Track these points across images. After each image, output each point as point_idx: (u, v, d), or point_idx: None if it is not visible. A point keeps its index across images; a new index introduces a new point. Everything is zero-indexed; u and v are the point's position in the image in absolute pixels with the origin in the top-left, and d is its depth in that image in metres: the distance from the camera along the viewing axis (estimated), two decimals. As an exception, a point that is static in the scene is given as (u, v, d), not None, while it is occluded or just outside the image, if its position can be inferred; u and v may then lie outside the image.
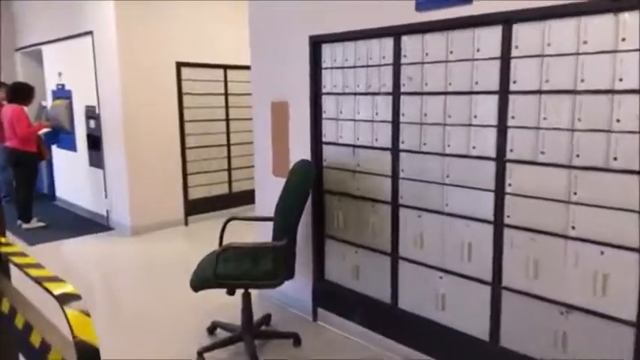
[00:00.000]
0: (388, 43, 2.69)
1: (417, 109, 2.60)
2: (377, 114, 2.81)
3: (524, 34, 2.16)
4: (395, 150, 2.75)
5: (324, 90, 3.10)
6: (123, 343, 3.06)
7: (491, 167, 2.34)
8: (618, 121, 1.93)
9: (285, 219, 2.84)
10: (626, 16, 1.87)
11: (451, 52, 2.42)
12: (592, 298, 2.09)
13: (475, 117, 2.37)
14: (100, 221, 5.90)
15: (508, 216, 2.31)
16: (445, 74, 2.46)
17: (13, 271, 1.53)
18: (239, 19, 5.74)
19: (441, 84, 2.49)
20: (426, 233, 2.66)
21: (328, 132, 3.12)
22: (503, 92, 2.25)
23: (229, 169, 6.15)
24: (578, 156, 2.06)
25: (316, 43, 3.07)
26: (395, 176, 2.77)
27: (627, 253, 1.96)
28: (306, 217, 3.11)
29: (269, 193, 3.41)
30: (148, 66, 5.32)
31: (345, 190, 3.07)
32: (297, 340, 3.04)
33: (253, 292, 3.02)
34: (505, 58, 2.22)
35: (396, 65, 2.67)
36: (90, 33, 5.50)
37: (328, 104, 3.09)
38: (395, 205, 2.79)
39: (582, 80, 2.01)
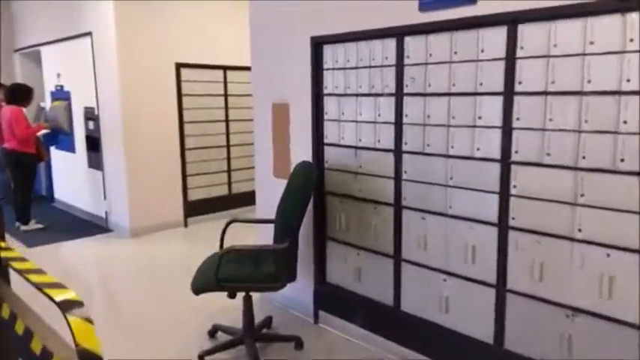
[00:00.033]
0: (391, 43, 2.67)
1: (420, 111, 2.58)
2: (379, 115, 2.79)
3: (530, 35, 2.14)
4: (398, 151, 2.72)
5: (325, 91, 3.08)
6: (123, 346, 3.03)
7: (495, 169, 2.32)
8: (625, 122, 1.91)
9: (286, 221, 2.81)
10: (634, 17, 1.85)
11: (455, 53, 2.40)
12: (598, 301, 2.07)
13: (479, 118, 2.35)
14: (98, 223, 5.87)
15: (513, 218, 2.28)
16: (449, 75, 2.44)
17: (13, 275, 1.50)
18: (239, 20, 5.72)
19: (444, 85, 2.46)
20: (430, 235, 2.64)
21: (330, 133, 3.09)
22: (509, 93, 2.23)
23: (229, 171, 6.12)
24: (584, 157, 2.04)
25: (318, 44, 3.05)
26: (398, 178, 2.75)
27: (634, 256, 1.94)
28: (307, 219, 3.09)
29: (270, 194, 3.39)
30: (148, 67, 5.29)
31: (347, 192, 3.04)
32: (299, 343, 3.02)
33: (254, 294, 2.99)
34: (510, 59, 2.20)
35: (399, 66, 2.65)
36: (89, 34, 5.47)
37: (330, 105, 3.06)
38: (398, 207, 2.77)
39: (589, 81, 1.99)
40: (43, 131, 6.02)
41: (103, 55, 5.32)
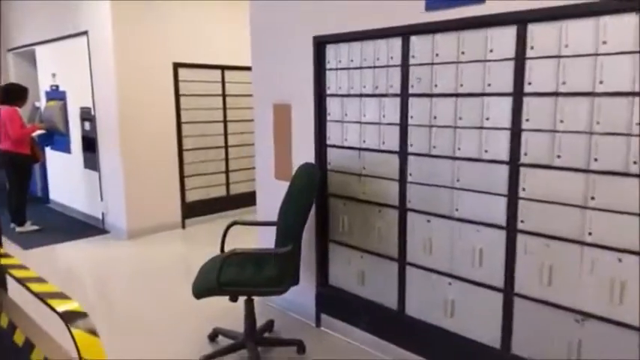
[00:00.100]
0: (396, 43, 2.63)
1: (427, 112, 2.54)
2: (384, 116, 2.75)
3: (540, 35, 2.10)
4: (403, 153, 2.68)
5: (328, 91, 3.03)
6: (121, 350, 2.96)
7: (504, 171, 2.28)
8: (639, 124, 1.87)
9: (289, 224, 2.76)
10: (648, 16, 1.81)
11: (462, 53, 2.35)
12: (609, 306, 2.03)
13: (487, 119, 2.31)
14: (95, 224, 5.79)
15: (522, 221, 2.24)
16: (456, 75, 2.39)
17: (11, 282, 1.44)
18: (237, 19, 5.69)
19: (451, 85, 2.42)
20: (435, 238, 2.59)
21: (333, 134, 3.04)
22: (518, 94, 2.19)
23: (227, 172, 6.07)
24: (596, 160, 2.00)
25: (320, 44, 3.00)
26: (403, 180, 2.70)
27: (647, 261, 1.91)
28: (309, 221, 3.03)
29: (271, 196, 3.34)
30: (145, 67, 5.22)
31: (351, 194, 3.00)
32: (301, 348, 2.97)
33: (255, 297, 2.94)
34: (520, 59, 2.16)
35: (405, 66, 2.61)
36: (85, 33, 5.40)
37: (333, 106, 3.01)
38: (402, 209, 2.73)
39: (601, 82, 1.95)
40: (38, 132, 5.94)
41: (100, 55, 5.25)
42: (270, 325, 3.22)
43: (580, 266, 2.09)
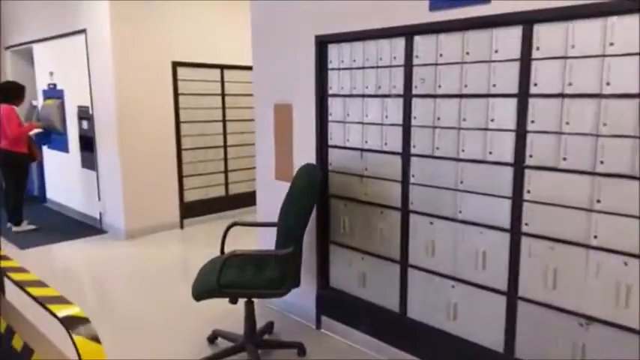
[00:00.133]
0: (399, 43, 2.60)
1: (430, 112, 2.51)
2: (387, 117, 2.72)
3: (546, 35, 2.07)
4: (405, 154, 2.65)
5: (330, 92, 3.00)
6: (118, 353, 2.93)
7: (508, 173, 2.25)
8: (646, 126, 1.85)
9: (290, 225, 2.73)
10: (657, 17, 1.79)
11: (467, 53, 2.33)
12: (614, 310, 2.01)
13: (492, 121, 2.28)
14: (92, 224, 5.75)
15: (526, 224, 2.22)
16: (460, 76, 2.37)
17: (10, 284, 1.41)
18: (237, 19, 5.67)
19: (455, 86, 2.40)
20: (438, 241, 2.57)
21: (334, 135, 3.02)
22: (523, 95, 2.16)
23: (226, 171, 6.03)
24: (602, 162, 1.98)
25: (322, 43, 2.97)
26: (405, 181, 2.68)
27: (654, 264, 1.89)
28: (310, 223, 3.00)
29: (271, 197, 3.31)
30: (144, 65, 5.18)
31: (352, 195, 2.97)
32: (301, 350, 2.94)
33: (255, 299, 2.91)
34: (525, 60, 2.14)
35: (408, 66, 2.58)
36: (83, 31, 5.35)
37: (335, 106, 2.99)
38: (405, 211, 2.70)
39: (608, 83, 1.93)
40: (36, 130, 5.89)
41: (98, 53, 5.21)
42: (269, 327, 3.19)
43: (585, 270, 2.07)
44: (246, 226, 3.21)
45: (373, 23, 2.67)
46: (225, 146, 5.96)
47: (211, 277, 2.62)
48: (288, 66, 3.21)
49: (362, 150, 2.87)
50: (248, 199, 5.86)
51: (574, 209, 2.07)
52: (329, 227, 3.14)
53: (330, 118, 3.02)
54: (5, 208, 5.54)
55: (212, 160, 5.87)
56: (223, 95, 5.87)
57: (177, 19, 5.38)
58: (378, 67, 2.72)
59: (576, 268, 2.09)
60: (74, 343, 0.97)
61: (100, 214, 5.63)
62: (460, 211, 2.46)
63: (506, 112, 2.23)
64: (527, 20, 2.11)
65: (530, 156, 2.17)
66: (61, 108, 6.03)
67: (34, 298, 1.11)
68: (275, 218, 2.98)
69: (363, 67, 2.80)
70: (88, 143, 5.64)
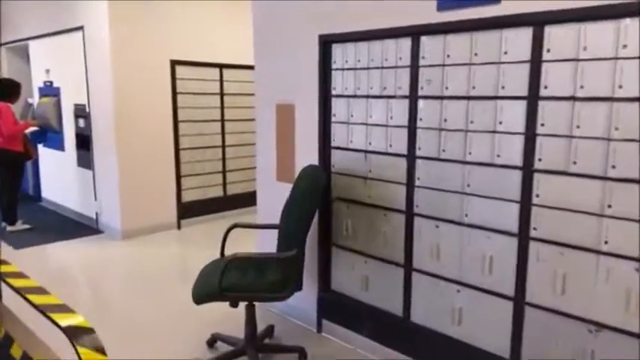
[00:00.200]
0: (405, 43, 2.56)
1: (436, 114, 2.47)
2: (392, 118, 2.68)
3: (558, 37, 2.04)
4: (411, 156, 2.61)
5: (334, 92, 2.95)
6: (115, 357, 2.87)
7: (517, 177, 2.21)
8: (660, 130, 1.82)
9: (292, 227, 2.68)
10: (673, 20, 1.76)
11: (475, 55, 2.29)
12: (624, 317, 1.98)
13: (500, 123, 2.25)
14: (88, 224, 5.67)
15: (535, 228, 2.18)
16: (468, 77, 2.33)
17: (6, 290, 1.35)
18: (236, 17, 5.62)
19: (463, 88, 2.36)
20: (443, 244, 2.53)
21: (338, 136, 2.97)
22: (533, 98, 2.13)
23: (224, 172, 5.97)
24: (614, 167, 1.94)
25: (326, 43, 2.93)
26: (410, 184, 2.63)
27: (667, 271, 1.85)
28: (312, 225, 2.96)
29: (272, 198, 3.26)
30: (142, 63, 5.12)
31: (355, 198, 2.93)
32: (302, 355, 2.89)
33: (256, 302, 2.86)
34: (536, 62, 2.10)
35: (414, 67, 2.54)
36: (81, 28, 5.28)
37: (338, 107, 2.94)
38: (409, 214, 2.66)
39: (620, 87, 1.90)
40: (31, 128, 5.81)
41: (96, 51, 5.14)
42: (270, 330, 3.15)
43: (595, 275, 2.03)
44: (247, 228, 3.16)
45: (379, 23, 2.63)
46: (223, 146, 5.91)
47: (212, 281, 2.57)
48: (290, 66, 3.16)
49: (366, 152, 2.83)
50: (246, 200, 5.83)
51: (584, 214, 2.03)
52: (331, 230, 3.09)
53: (333, 118, 2.98)
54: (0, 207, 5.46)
55: (210, 160, 5.81)
56: (222, 95, 5.81)
57: (175, 17, 5.32)
58: (383, 67, 2.68)
59: (586, 274, 2.06)
60: (78, 355, 0.92)
61: (96, 213, 5.55)
62: (466, 215, 2.42)
63: (515, 114, 2.19)
64: (538, 21, 2.08)
65: (540, 159, 2.14)
66: (57, 106, 5.95)
67: (35, 307, 1.06)
68: (276, 220, 2.93)
69: (367, 68, 2.75)
70: (84, 142, 5.57)
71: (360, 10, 2.72)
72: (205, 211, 5.78)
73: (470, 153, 2.37)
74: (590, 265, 2.04)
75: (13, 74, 6.45)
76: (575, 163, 2.04)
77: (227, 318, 3.13)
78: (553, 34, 2.05)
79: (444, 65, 2.42)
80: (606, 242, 1.99)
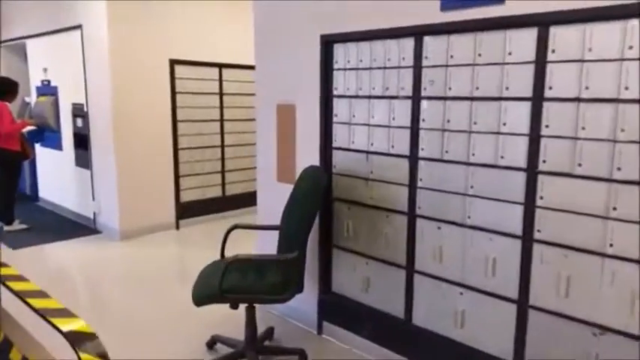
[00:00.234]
0: (408, 43, 2.54)
1: (440, 115, 2.45)
2: (394, 119, 2.66)
3: (563, 38, 2.02)
4: (413, 157, 2.59)
5: (335, 92, 2.93)
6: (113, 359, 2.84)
7: (521, 178, 2.20)
8: (666, 132, 1.81)
9: (293, 229, 2.66)
10: (680, 21, 1.75)
11: (479, 55, 2.27)
12: (628, 320, 1.96)
13: (504, 124, 2.23)
14: (86, 224, 5.64)
15: (538, 230, 2.17)
16: (472, 78, 2.31)
17: (5, 293, 1.32)
18: (236, 17, 5.60)
19: (466, 88, 2.34)
20: (446, 246, 2.51)
21: (339, 137, 2.95)
22: (537, 99, 2.11)
23: (223, 172, 5.94)
24: (619, 169, 1.92)
25: (328, 43, 2.91)
26: (413, 185, 2.61)
27: (673, 274, 1.84)
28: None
29: (272, 199, 3.24)
30: (141, 63, 5.08)
31: (357, 199, 2.90)
32: (303, 357, 2.86)
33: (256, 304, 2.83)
34: (540, 63, 2.08)
35: (417, 67, 2.52)
36: (79, 27, 5.24)
37: (340, 107, 2.92)
38: (412, 215, 2.64)
39: (626, 88, 1.88)
40: (29, 128, 5.77)
41: (94, 50, 5.10)
42: (270, 332, 3.12)
43: (600, 278, 2.02)
44: (248, 229, 3.14)
45: (381, 23, 2.61)
46: (222, 146, 5.88)
47: (212, 282, 2.55)
48: (291, 66, 3.14)
49: (368, 152, 2.81)
50: (245, 200, 5.81)
51: (589, 216, 2.02)
52: (332, 231, 3.07)
53: (335, 119, 2.95)
54: (-4, 207, 5.42)
55: (209, 160, 5.78)
56: (221, 94, 5.78)
57: (175, 16, 5.29)
58: (385, 67, 2.66)
59: (590, 277, 2.04)
60: (80, 362, 0.89)
61: (94, 213, 5.52)
62: (469, 217, 2.40)
63: (519, 115, 2.17)
64: (542, 22, 2.06)
65: (544, 161, 2.12)
66: (55, 105, 5.91)
67: (36, 311, 1.03)
68: (276, 221, 2.91)
69: (370, 68, 2.73)
70: (82, 141, 5.53)
71: (363, 10, 2.70)
72: (204, 211, 5.75)
73: (473, 154, 2.35)
74: (595, 268, 2.02)
75: (10, 73, 6.39)
76: (580, 165, 2.02)
77: (227, 319, 3.11)
78: (558, 34, 2.03)
79: (447, 66, 2.40)
80: (611, 245, 1.98)
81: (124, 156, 5.10)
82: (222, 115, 5.82)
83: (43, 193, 6.67)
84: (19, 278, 1.20)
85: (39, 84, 6.28)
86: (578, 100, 2.00)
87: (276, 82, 3.27)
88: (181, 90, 5.41)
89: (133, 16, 4.99)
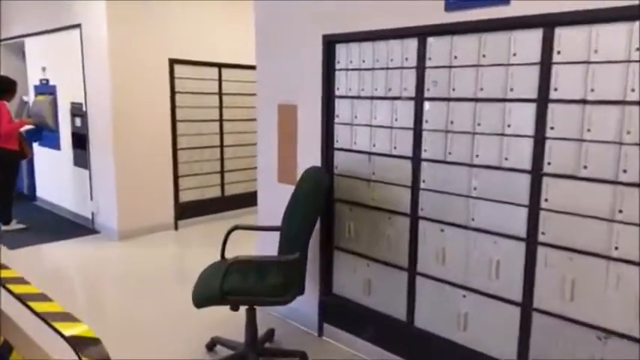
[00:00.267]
0: (412, 44, 2.52)
1: (443, 116, 2.43)
2: (396, 120, 2.64)
3: (568, 39, 2.00)
4: (416, 159, 2.57)
5: (337, 92, 2.91)
6: (115, 361, 2.82)
7: (525, 180, 2.18)
8: (673, 135, 1.79)
9: (294, 230, 2.64)
10: (688, 22, 1.73)
11: (484, 56, 2.25)
12: (634, 323, 1.95)
13: (509, 126, 2.21)
14: (84, 224, 5.60)
15: (543, 233, 2.15)
16: (476, 79, 2.29)
17: (4, 295, 1.30)
18: (236, 17, 5.58)
19: (470, 89, 2.32)
20: (449, 248, 2.49)
21: (341, 137, 2.93)
22: (542, 100, 2.09)
23: (222, 172, 5.92)
24: (625, 171, 1.91)
25: (330, 43, 2.89)
26: (415, 187, 2.60)
27: (679, 278, 1.82)
28: (313, 227, 2.93)
29: (273, 200, 3.22)
30: (140, 62, 5.05)
31: (358, 200, 2.88)
32: (304, 359, 2.84)
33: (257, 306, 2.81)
34: (545, 64, 2.07)
35: (420, 68, 2.50)
36: (78, 26, 5.21)
37: (342, 108, 2.90)
38: (414, 217, 2.62)
39: (633, 90, 1.87)
40: (27, 127, 5.73)
41: (93, 49, 5.07)
42: (270, 334, 3.10)
43: (605, 281, 2.00)
44: (248, 230, 3.11)
45: (384, 23, 2.59)
46: (221, 146, 5.85)
47: (213, 284, 2.52)
48: (293, 66, 3.12)
49: (370, 153, 2.79)
50: (244, 201, 5.79)
51: (594, 219, 2.00)
52: (333, 232, 3.05)
53: (336, 119, 2.93)
54: (-6, 207, 5.39)
55: (208, 160, 5.75)
56: (220, 94, 5.76)
57: (174, 15, 5.26)
58: (388, 68, 2.64)
59: (595, 280, 2.02)
60: (84, 368, 0.87)
61: (93, 213, 5.49)
62: (473, 219, 2.38)
63: (524, 117, 2.16)
64: (548, 23, 2.04)
65: (549, 163, 2.10)
66: (54, 104, 5.88)
67: (37, 315, 1.01)
68: (277, 222, 2.89)
69: (372, 69, 2.71)
70: (80, 141, 5.50)
71: (365, 10, 2.68)
72: (203, 211, 5.72)
73: (477, 156, 2.33)
74: (600, 271, 2.01)
75: (8, 71, 6.35)
76: (585, 167, 2.01)
77: (227, 321, 3.09)
78: (564, 35, 2.02)
79: (450, 67, 2.38)
80: (617, 248, 1.96)
81: (123, 156, 5.07)
82: (221, 115, 5.79)
83: (40, 192, 6.64)
84: (20, 281, 1.17)
85: (37, 83, 6.25)
86: (583, 101, 1.99)
87: (277, 82, 3.24)
88: (181, 90, 5.38)
89: (132, 16, 4.96)
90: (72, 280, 4.36)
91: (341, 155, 2.95)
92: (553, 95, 2.06)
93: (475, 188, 2.36)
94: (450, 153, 2.43)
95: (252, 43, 3.40)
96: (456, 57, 2.36)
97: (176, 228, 5.54)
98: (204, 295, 2.54)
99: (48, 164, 6.34)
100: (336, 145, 2.96)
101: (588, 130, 1.99)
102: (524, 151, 2.17)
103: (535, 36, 2.09)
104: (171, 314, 3.48)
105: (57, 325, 0.95)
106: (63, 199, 6.06)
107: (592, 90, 1.96)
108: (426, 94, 2.49)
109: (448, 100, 2.41)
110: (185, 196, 5.59)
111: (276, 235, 2.89)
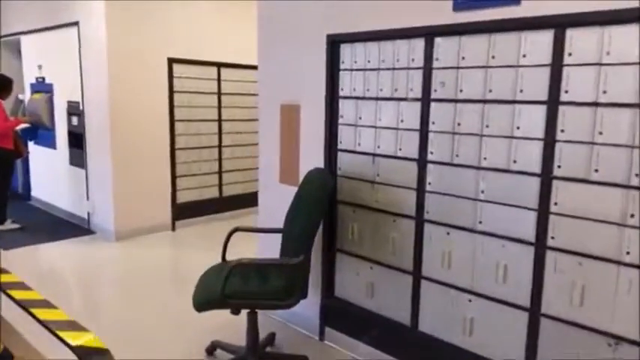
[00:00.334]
0: (418, 44, 2.48)
1: (450, 118, 2.40)
2: (402, 121, 2.60)
3: (580, 41, 1.97)
4: (422, 161, 2.53)
5: (341, 93, 2.87)
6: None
7: (534, 184, 2.15)
8: (688, 138, 1.76)
9: (297, 232, 2.59)
10: None
11: (493, 57, 2.22)
12: (645, 330, 1.92)
13: (518, 128, 2.18)
14: (80, 224, 5.53)
15: (552, 237, 2.12)
16: (484, 80, 2.26)
17: (4, 300, 1.25)
18: (235, 16, 5.53)
19: (478, 91, 2.28)
20: (455, 252, 2.45)
21: (345, 138, 2.89)
22: (553, 102, 2.06)
23: (220, 172, 5.86)
24: (637, 175, 1.88)
25: (335, 43, 2.84)
26: (421, 189, 2.56)
27: (692, 284, 1.79)
28: (315, 229, 2.88)
29: (274, 201, 3.17)
30: (138, 60, 4.99)
31: (362, 202, 2.84)
32: (305, 364, 2.80)
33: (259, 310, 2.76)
34: (556, 66, 2.03)
35: (427, 69, 2.46)
36: (76, 24, 5.15)
37: (346, 108, 2.86)
38: (419, 220, 2.58)
39: (646, 92, 1.83)
40: (22, 125, 5.65)
41: (91, 47, 5.01)
42: (271, 338, 3.05)
43: (616, 287, 1.97)
44: (250, 232, 3.06)
45: (391, 23, 2.55)
46: (220, 146, 5.79)
47: (214, 287, 2.47)
48: (296, 65, 3.07)
49: (374, 155, 2.75)
50: (243, 201, 5.75)
51: (605, 223, 1.97)
52: (336, 234, 3.01)
53: (340, 120, 2.89)
54: (-12, 206, 5.30)
55: (206, 161, 5.70)
56: (219, 94, 5.70)
57: (174, 14, 5.20)
58: (394, 68, 2.60)
59: (606, 285, 1.99)
60: (92, 380, 0.82)
61: (89, 213, 5.41)
62: (480, 222, 2.34)
63: (533, 119, 2.12)
64: (559, 24, 2.01)
65: (559, 166, 2.07)
66: (50, 103, 5.80)
67: (41, 323, 0.96)
68: (278, 223, 2.85)
69: (378, 69, 2.67)
70: (77, 140, 5.43)
71: (371, 9, 2.64)
72: (200, 212, 5.66)
73: (485, 158, 2.30)
74: (611, 277, 1.98)
75: (4, 69, 6.27)
76: (596, 170, 1.97)
77: (227, 325, 3.03)
78: (575, 37, 1.98)
79: (458, 67, 2.34)
80: (628, 253, 1.93)
81: (120, 155, 5.01)
82: (220, 115, 5.73)
83: (35, 192, 6.55)
84: (21, 286, 1.12)
85: (33, 81, 6.17)
86: (595, 104, 1.95)
87: (280, 81, 3.20)
88: (179, 89, 5.33)
89: (131, 14, 4.90)
90: (67, 282, 4.28)
91: (345, 156, 2.91)
92: (564, 97, 2.03)
93: (483, 191, 2.32)
94: (457, 155, 2.40)
95: (252, 43, 3.36)
96: (463, 58, 2.33)
97: (173, 229, 5.48)
98: (206, 299, 2.49)
99: (43, 163, 6.26)
100: (339, 146, 2.92)
101: (600, 133, 1.95)
102: (534, 153, 2.13)
103: (546, 37, 2.06)
104: (169, 317, 3.42)
105: (63, 334, 0.90)
106: (58, 198, 5.98)
107: (604, 92, 1.93)
108: (433, 95, 2.46)
109: (455, 101, 2.37)
110: (183, 197, 5.53)
111: (277, 236, 2.84)
